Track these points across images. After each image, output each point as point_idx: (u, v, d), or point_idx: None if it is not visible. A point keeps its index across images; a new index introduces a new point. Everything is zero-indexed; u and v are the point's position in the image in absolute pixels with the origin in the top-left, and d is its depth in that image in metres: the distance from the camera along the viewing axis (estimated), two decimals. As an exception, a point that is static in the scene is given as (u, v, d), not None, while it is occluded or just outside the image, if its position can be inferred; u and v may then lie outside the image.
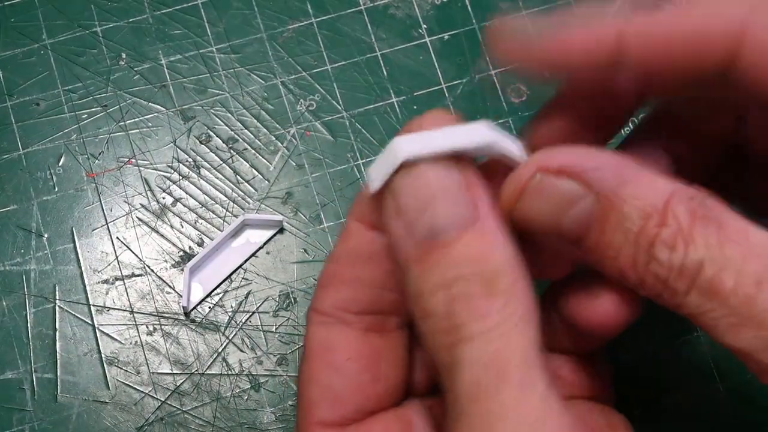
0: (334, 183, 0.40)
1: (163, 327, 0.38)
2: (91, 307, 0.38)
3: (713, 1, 0.23)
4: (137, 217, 0.39)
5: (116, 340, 0.38)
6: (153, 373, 0.37)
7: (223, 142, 0.40)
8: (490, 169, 0.24)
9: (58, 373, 0.37)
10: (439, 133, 0.23)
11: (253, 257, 0.39)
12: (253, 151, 0.40)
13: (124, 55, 0.41)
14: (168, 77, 0.41)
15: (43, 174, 0.39)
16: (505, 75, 0.42)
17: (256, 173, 0.40)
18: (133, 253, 0.39)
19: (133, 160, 0.40)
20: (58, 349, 0.37)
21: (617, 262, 0.22)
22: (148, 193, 0.39)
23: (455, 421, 0.22)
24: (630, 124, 0.35)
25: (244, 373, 0.37)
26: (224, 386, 0.37)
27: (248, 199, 0.39)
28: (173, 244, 0.39)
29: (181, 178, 0.40)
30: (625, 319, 0.25)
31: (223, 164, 0.40)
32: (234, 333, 0.38)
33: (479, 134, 0.23)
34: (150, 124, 0.40)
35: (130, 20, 0.41)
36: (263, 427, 0.37)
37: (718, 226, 0.21)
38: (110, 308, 0.38)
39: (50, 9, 0.41)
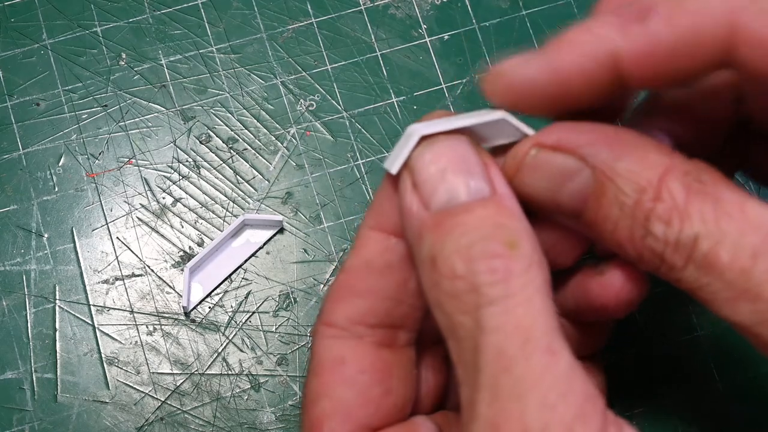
0: (334, 183, 0.40)
1: (163, 327, 0.38)
2: (91, 307, 0.38)
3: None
4: (137, 217, 0.39)
5: (116, 340, 0.38)
6: (153, 373, 0.37)
7: (223, 142, 0.40)
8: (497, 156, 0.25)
9: (58, 373, 0.37)
10: (452, 117, 0.24)
11: (253, 257, 0.39)
12: (253, 151, 0.40)
13: (124, 55, 0.41)
14: (168, 77, 0.41)
15: (43, 174, 0.39)
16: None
17: (256, 173, 0.40)
18: (133, 253, 0.39)
19: (133, 160, 0.40)
20: (58, 349, 0.37)
21: (615, 236, 0.23)
22: (148, 193, 0.39)
23: (478, 392, 0.21)
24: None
25: (244, 373, 0.37)
26: (224, 386, 0.37)
27: (248, 199, 0.39)
28: (173, 244, 0.39)
29: (181, 178, 0.40)
30: (631, 296, 0.25)
31: (223, 164, 0.40)
32: (234, 333, 0.38)
33: (491, 112, 0.24)
34: (150, 124, 0.40)
35: (130, 20, 0.41)
36: (263, 427, 0.37)
37: (715, 200, 0.21)
38: (110, 308, 0.38)
39: (50, 9, 0.41)
